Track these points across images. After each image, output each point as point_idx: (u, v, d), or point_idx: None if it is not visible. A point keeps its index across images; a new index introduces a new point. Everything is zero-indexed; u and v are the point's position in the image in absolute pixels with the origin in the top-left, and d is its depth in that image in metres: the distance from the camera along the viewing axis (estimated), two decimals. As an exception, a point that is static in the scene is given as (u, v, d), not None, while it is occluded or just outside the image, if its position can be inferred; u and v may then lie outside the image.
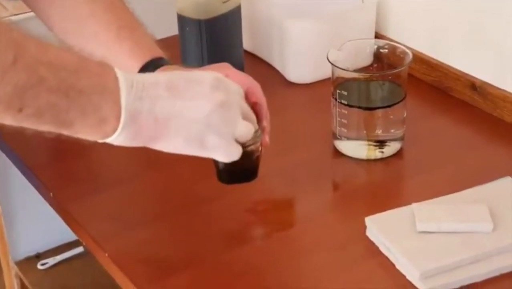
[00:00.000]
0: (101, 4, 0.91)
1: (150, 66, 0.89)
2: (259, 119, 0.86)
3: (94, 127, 0.73)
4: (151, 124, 0.74)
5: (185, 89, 0.76)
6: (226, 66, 0.90)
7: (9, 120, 0.69)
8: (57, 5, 0.91)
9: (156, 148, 0.78)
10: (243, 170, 0.87)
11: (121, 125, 0.73)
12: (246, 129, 0.81)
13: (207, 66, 0.91)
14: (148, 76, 0.77)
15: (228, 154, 0.79)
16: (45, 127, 0.71)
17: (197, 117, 0.76)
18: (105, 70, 0.73)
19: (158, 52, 0.91)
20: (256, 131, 0.84)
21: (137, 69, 0.89)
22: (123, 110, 0.73)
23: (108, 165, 1.05)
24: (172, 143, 0.77)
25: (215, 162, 0.87)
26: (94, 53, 0.89)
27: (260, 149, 0.87)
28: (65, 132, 0.73)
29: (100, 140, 0.75)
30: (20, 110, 0.68)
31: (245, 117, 0.80)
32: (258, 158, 0.87)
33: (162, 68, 0.88)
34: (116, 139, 0.74)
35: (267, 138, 0.88)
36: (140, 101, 0.73)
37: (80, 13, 0.90)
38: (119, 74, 0.74)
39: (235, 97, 0.79)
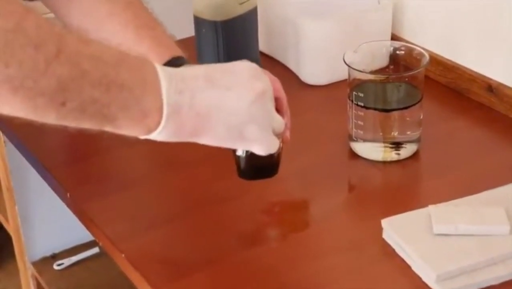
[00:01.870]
0: (120, 3, 0.91)
1: (169, 65, 0.87)
2: (280, 115, 0.85)
3: (136, 121, 0.72)
4: (193, 117, 0.74)
5: (224, 80, 0.76)
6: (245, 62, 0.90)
7: (53, 116, 0.68)
8: (76, 4, 0.91)
9: (198, 141, 0.77)
10: (264, 166, 0.87)
11: (164, 118, 0.72)
12: (280, 122, 0.81)
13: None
14: (185, 69, 0.77)
15: (268, 145, 0.80)
16: (88, 123, 0.71)
17: (238, 107, 0.76)
18: (143, 63, 0.73)
19: (178, 51, 0.91)
20: None
21: None
22: (165, 104, 0.72)
23: (125, 165, 1.06)
24: (214, 135, 0.76)
25: (236, 158, 0.88)
26: None
27: (281, 145, 0.86)
28: (108, 128, 0.72)
29: (143, 137, 0.74)
30: (63, 104, 0.67)
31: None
32: (279, 154, 0.87)
33: (181, 68, 0.88)
34: (160, 134, 0.74)
35: (288, 134, 0.88)
36: (180, 94, 0.73)
37: (99, 13, 0.91)
38: (158, 68, 0.73)
39: (270, 88, 0.80)
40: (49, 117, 0.68)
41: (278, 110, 0.85)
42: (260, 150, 0.80)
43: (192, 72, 0.76)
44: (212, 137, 0.77)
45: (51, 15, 0.95)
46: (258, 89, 0.77)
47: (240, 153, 0.87)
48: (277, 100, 0.86)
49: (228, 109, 0.75)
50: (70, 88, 0.67)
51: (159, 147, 1.09)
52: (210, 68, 0.77)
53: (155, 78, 0.73)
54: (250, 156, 0.86)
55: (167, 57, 0.89)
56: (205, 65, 0.79)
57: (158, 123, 0.73)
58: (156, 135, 0.74)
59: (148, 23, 0.92)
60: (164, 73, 0.73)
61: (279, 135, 0.84)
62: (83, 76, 0.67)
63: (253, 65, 0.79)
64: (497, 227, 0.85)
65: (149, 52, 0.89)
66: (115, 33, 0.90)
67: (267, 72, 0.87)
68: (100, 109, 0.69)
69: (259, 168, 0.88)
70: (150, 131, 0.74)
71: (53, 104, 0.67)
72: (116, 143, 1.10)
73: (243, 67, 0.78)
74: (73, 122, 0.70)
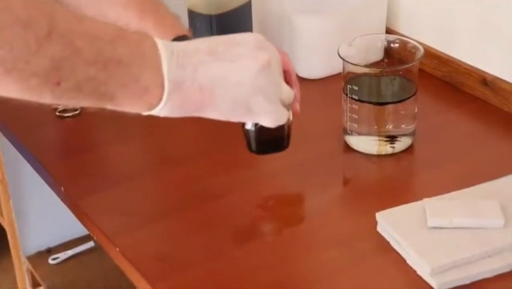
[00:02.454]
0: None
1: None
2: (289, 87, 0.84)
3: (137, 98, 0.70)
4: (196, 91, 0.72)
5: (227, 52, 0.74)
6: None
7: (48, 95, 0.66)
8: None
9: (204, 116, 0.75)
10: (274, 139, 0.85)
11: (165, 94, 0.71)
12: (289, 92, 0.79)
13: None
14: (187, 43, 0.75)
15: (276, 117, 0.78)
16: (86, 102, 0.69)
17: (243, 79, 0.74)
18: (142, 38, 0.71)
19: (182, 30, 0.89)
20: None
21: None
22: (166, 80, 0.71)
23: (120, 160, 1.06)
24: (219, 110, 0.75)
25: (245, 132, 0.85)
26: None
27: (291, 118, 0.85)
28: (109, 105, 0.70)
29: (146, 113, 0.72)
30: (58, 84, 0.65)
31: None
32: (289, 126, 0.85)
33: (184, 42, 0.87)
34: (162, 110, 0.72)
35: (297, 106, 0.86)
36: (182, 69, 0.71)
37: None
38: (158, 42, 0.72)
39: (277, 58, 0.78)
40: (44, 97, 0.67)
41: (287, 82, 0.84)
42: (269, 122, 0.78)
43: (194, 45, 0.74)
44: (217, 112, 0.75)
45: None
46: (263, 59, 0.75)
47: (249, 126, 0.84)
48: (285, 73, 0.84)
49: (233, 82, 0.74)
50: (64, 67, 0.65)
51: (154, 142, 1.09)
52: (213, 41, 0.75)
53: (154, 53, 0.71)
54: (260, 129, 0.83)
55: (171, 37, 0.88)
56: (208, 38, 0.77)
57: (160, 99, 0.71)
58: (159, 111, 0.72)
59: (152, 5, 0.91)
60: (164, 48, 0.71)
61: (288, 106, 0.83)
62: (77, 54, 0.65)
63: (258, 36, 0.78)
64: (491, 220, 0.85)
65: (154, 33, 0.86)
66: (118, 16, 0.89)
67: (273, 45, 0.86)
68: (97, 87, 0.68)
69: (269, 141, 0.85)
70: (151, 107, 0.72)
71: (48, 84, 0.65)
72: (111, 137, 1.10)
73: (247, 38, 0.76)
74: (70, 101, 0.68)
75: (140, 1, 0.90)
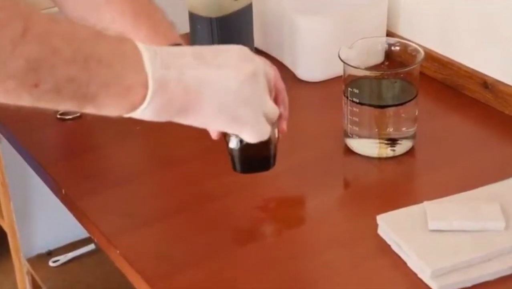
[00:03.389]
0: None
1: None
2: (277, 105, 0.83)
3: (120, 98, 0.68)
4: (181, 93, 0.71)
5: (213, 58, 0.73)
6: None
7: (26, 98, 0.65)
8: None
9: (186, 122, 0.74)
10: (259, 158, 0.84)
11: (149, 93, 0.69)
12: (273, 108, 0.78)
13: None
14: (171, 47, 0.74)
15: (258, 131, 0.77)
16: (66, 104, 0.67)
17: (229, 86, 0.73)
18: (122, 39, 0.70)
19: (176, 39, 0.89)
20: None
21: None
22: (150, 78, 0.69)
23: (120, 162, 1.06)
24: (203, 115, 0.73)
25: (230, 150, 0.85)
26: None
27: (277, 136, 0.84)
28: (89, 108, 0.68)
29: (128, 114, 0.70)
30: (36, 85, 0.64)
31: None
32: (275, 145, 0.84)
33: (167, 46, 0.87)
34: (145, 111, 0.70)
35: (284, 125, 0.85)
36: (167, 69, 0.70)
37: (96, 1, 0.89)
38: (138, 44, 0.70)
39: (262, 71, 0.77)
40: (23, 100, 0.65)
41: (276, 99, 0.83)
42: (251, 135, 0.77)
43: (179, 49, 0.73)
44: (201, 116, 0.73)
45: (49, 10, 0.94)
46: (248, 70, 0.74)
47: (233, 145, 0.84)
48: (274, 90, 0.83)
49: (219, 87, 0.72)
50: (42, 68, 0.63)
51: (154, 143, 1.09)
52: (199, 48, 0.75)
53: (136, 52, 0.69)
54: (244, 147, 0.83)
55: (164, 45, 0.86)
56: (194, 46, 0.76)
57: (143, 98, 0.69)
58: (141, 112, 0.70)
59: (146, 10, 0.90)
60: (145, 48, 0.70)
61: (274, 124, 0.82)
62: (54, 54, 0.64)
63: (244, 48, 0.77)
64: (492, 223, 0.85)
65: (146, 40, 0.86)
66: (112, 22, 0.88)
67: (267, 61, 0.85)
68: (78, 88, 0.66)
69: (254, 160, 0.85)
70: (134, 107, 0.70)
71: (25, 86, 0.63)
72: (111, 139, 1.10)
73: (234, 49, 0.76)
74: (49, 104, 0.66)
75: (135, 7, 0.89)
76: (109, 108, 0.69)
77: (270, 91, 0.80)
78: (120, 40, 0.70)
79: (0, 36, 0.61)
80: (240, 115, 0.74)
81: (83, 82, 0.66)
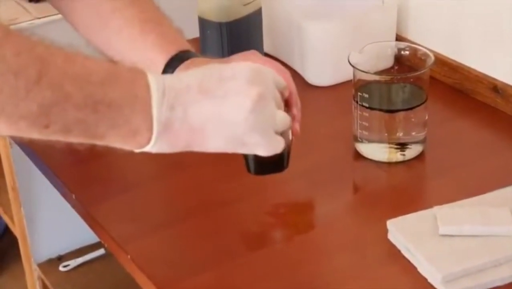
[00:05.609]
0: None
1: (176, 60, 0.87)
2: (289, 107, 0.84)
3: (126, 138, 0.72)
4: (186, 132, 0.73)
5: (219, 87, 0.74)
6: (253, 53, 0.88)
7: (35, 135, 0.68)
8: (80, 2, 0.90)
9: (199, 150, 0.76)
10: (273, 160, 0.84)
11: (154, 136, 0.72)
12: (284, 119, 0.78)
13: (235, 56, 0.88)
14: (179, 79, 0.74)
15: (271, 148, 0.77)
16: (75, 140, 0.71)
17: (236, 118, 0.73)
18: (136, 77, 0.71)
19: (184, 45, 0.89)
20: None
21: (163, 63, 0.87)
22: (155, 122, 0.71)
23: (130, 167, 1.06)
24: (212, 147, 0.75)
25: (244, 155, 0.85)
26: (119, 49, 0.89)
27: (290, 138, 0.85)
28: (99, 143, 0.72)
29: (137, 151, 0.74)
30: (46, 126, 0.67)
31: (277, 106, 0.77)
32: (289, 147, 0.85)
33: (188, 61, 0.87)
34: (153, 148, 0.73)
35: (297, 126, 0.85)
36: (172, 110, 0.72)
37: (104, 9, 0.89)
38: (151, 81, 0.71)
39: (270, 87, 0.77)
40: (33, 137, 0.69)
41: (287, 102, 0.83)
42: (264, 153, 0.78)
43: (186, 82, 0.74)
44: (210, 148, 0.76)
45: (56, 17, 0.95)
46: (255, 94, 0.74)
47: None
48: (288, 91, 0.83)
49: (225, 120, 0.73)
50: (53, 112, 0.66)
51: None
52: (206, 75, 0.75)
53: (146, 94, 0.71)
54: None
55: (173, 52, 0.87)
56: (202, 71, 0.76)
57: (149, 140, 0.72)
58: (150, 149, 0.74)
59: (154, 18, 0.90)
60: (156, 87, 0.71)
61: (287, 129, 0.82)
62: (66, 99, 0.67)
63: (252, 66, 0.76)
64: (502, 228, 0.85)
65: (154, 47, 0.87)
66: (120, 30, 0.89)
67: (276, 62, 0.85)
68: (86, 129, 0.69)
69: (268, 162, 0.85)
70: (141, 147, 0.73)
71: (36, 127, 0.67)
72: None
73: (242, 71, 0.75)
74: (60, 139, 0.70)
75: (142, 15, 0.90)
76: (117, 145, 0.73)
77: (282, 98, 0.80)
78: (134, 77, 0.71)
79: (15, 81, 0.64)
80: (250, 140, 0.75)
81: (92, 124, 0.69)
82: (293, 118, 0.84)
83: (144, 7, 0.91)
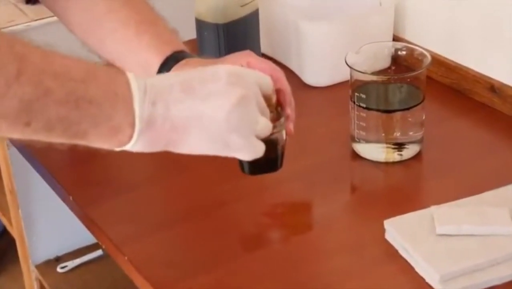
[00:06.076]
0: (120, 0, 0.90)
1: (171, 60, 0.87)
2: (283, 107, 0.84)
3: (108, 136, 0.71)
4: (168, 129, 0.73)
5: (201, 88, 0.74)
6: (248, 54, 0.87)
7: (17, 135, 0.67)
8: (75, 2, 0.90)
9: (178, 152, 0.76)
10: (267, 160, 0.83)
11: (136, 133, 0.71)
12: (265, 125, 0.78)
13: (230, 56, 0.88)
14: (161, 79, 0.75)
15: (252, 152, 0.77)
16: (57, 140, 0.70)
17: (216, 117, 0.73)
18: (116, 76, 0.71)
19: (179, 46, 0.89)
20: (279, 119, 0.82)
21: (158, 64, 0.87)
22: (137, 118, 0.71)
23: (127, 168, 1.06)
24: (194, 146, 0.75)
25: None
26: (114, 50, 0.89)
27: (284, 137, 0.85)
28: (79, 143, 0.71)
29: (118, 149, 0.73)
30: (28, 124, 0.66)
31: (260, 112, 0.77)
32: (282, 147, 0.85)
33: (183, 61, 0.87)
34: (133, 147, 0.73)
35: (291, 126, 0.86)
36: (154, 106, 0.71)
37: (98, 10, 0.89)
38: (132, 79, 0.71)
39: (252, 90, 0.76)
40: (13, 136, 0.67)
41: (281, 102, 0.83)
42: (244, 157, 0.78)
43: (168, 81, 0.74)
44: (191, 148, 0.75)
45: (52, 19, 0.95)
46: (236, 96, 0.73)
47: None
48: (278, 91, 0.84)
49: (206, 120, 0.73)
50: (34, 108, 0.65)
51: (162, 151, 1.09)
52: (189, 76, 0.75)
53: (127, 91, 0.71)
54: None
55: (168, 52, 0.87)
56: (184, 72, 0.77)
57: (130, 137, 0.71)
58: (131, 148, 0.73)
59: (148, 18, 0.90)
60: (137, 86, 0.71)
61: (281, 126, 0.82)
62: (47, 95, 0.66)
63: (231, 68, 0.76)
64: (500, 227, 0.85)
65: (149, 48, 0.87)
66: (115, 31, 0.89)
67: (269, 62, 0.85)
68: (68, 126, 0.68)
69: (261, 162, 0.84)
70: (122, 144, 0.72)
71: (17, 125, 0.66)
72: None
73: (221, 73, 0.75)
74: (41, 139, 0.69)
75: (137, 16, 0.89)
76: (99, 144, 0.72)
77: (269, 102, 0.80)
78: (113, 77, 0.71)
79: None
80: (229, 142, 0.75)
81: (74, 121, 0.68)
82: (287, 118, 0.84)
83: (138, 8, 0.91)
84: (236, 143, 0.75)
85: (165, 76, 0.77)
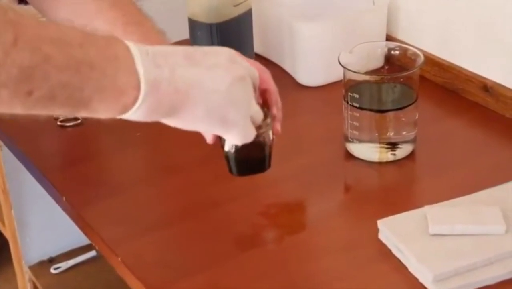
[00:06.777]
0: (107, 0, 0.90)
1: None
2: (269, 107, 0.85)
3: (112, 101, 0.69)
4: (172, 93, 0.71)
5: (204, 59, 0.74)
6: (235, 53, 0.88)
7: (19, 107, 0.65)
8: (64, 4, 0.90)
9: (174, 123, 0.74)
10: (254, 160, 0.84)
11: (141, 95, 0.69)
12: (258, 111, 0.79)
13: None
14: (163, 47, 0.74)
15: (245, 133, 0.77)
16: (60, 110, 0.67)
17: (218, 88, 0.73)
18: (114, 40, 0.70)
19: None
20: (266, 119, 0.82)
21: None
22: (142, 79, 0.69)
23: (121, 169, 1.06)
24: (192, 115, 0.73)
25: (225, 154, 0.85)
26: None
27: (271, 137, 0.85)
28: (83, 112, 0.69)
29: (118, 116, 0.71)
30: (30, 93, 0.64)
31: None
32: (270, 147, 0.85)
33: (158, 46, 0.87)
34: (136, 112, 0.70)
35: (278, 126, 0.86)
36: (159, 69, 0.70)
37: (87, 11, 0.90)
38: (129, 43, 0.70)
39: (251, 75, 0.77)
40: (16, 109, 0.65)
41: (267, 102, 0.84)
42: (237, 137, 0.77)
43: (171, 48, 0.73)
44: (188, 117, 0.73)
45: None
46: (237, 72, 0.75)
47: (228, 147, 0.84)
48: (265, 92, 0.84)
49: (208, 88, 0.73)
50: (35, 75, 0.63)
51: (155, 151, 1.09)
52: (190, 48, 0.75)
53: (127, 54, 0.69)
54: (239, 149, 0.83)
55: None
56: (185, 46, 0.76)
57: (135, 100, 0.69)
58: (132, 114, 0.70)
59: (136, 19, 0.90)
60: (137, 48, 0.70)
61: (268, 126, 0.83)
62: (46, 61, 0.64)
63: (232, 51, 0.77)
64: (493, 227, 0.85)
65: None
66: (103, 30, 0.89)
67: (256, 62, 0.85)
68: (72, 93, 0.66)
69: (249, 162, 0.85)
70: (126, 109, 0.70)
71: (19, 95, 0.64)
72: (112, 146, 1.10)
73: (223, 51, 0.76)
74: (43, 111, 0.67)
75: (125, 17, 0.90)
76: (102, 112, 0.70)
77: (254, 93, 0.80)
78: (111, 42, 0.70)
79: None
80: (228, 116, 0.75)
81: (77, 87, 0.66)
82: (273, 118, 0.85)
83: (126, 10, 0.91)
84: (232, 119, 0.75)
85: (166, 46, 0.76)
